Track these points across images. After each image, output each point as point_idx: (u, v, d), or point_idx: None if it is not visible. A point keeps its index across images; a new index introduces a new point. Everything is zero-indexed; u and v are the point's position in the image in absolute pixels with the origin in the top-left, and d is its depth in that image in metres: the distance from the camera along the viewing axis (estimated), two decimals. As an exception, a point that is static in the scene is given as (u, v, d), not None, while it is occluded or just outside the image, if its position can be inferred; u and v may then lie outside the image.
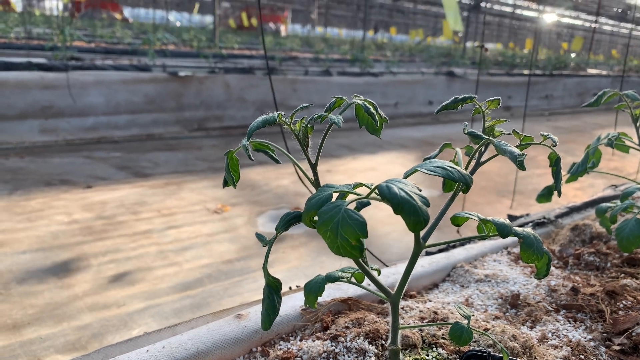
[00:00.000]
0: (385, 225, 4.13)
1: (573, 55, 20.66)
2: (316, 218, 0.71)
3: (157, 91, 7.64)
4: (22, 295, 2.87)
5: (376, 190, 0.70)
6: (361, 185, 0.81)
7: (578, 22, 34.50)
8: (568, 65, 17.34)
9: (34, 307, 2.77)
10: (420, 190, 0.68)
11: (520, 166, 0.78)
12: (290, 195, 4.90)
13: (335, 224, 0.66)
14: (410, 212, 0.64)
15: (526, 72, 14.56)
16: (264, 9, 31.48)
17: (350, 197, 0.79)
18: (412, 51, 19.94)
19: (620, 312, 1.29)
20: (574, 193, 5.36)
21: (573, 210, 2.15)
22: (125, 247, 3.58)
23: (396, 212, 0.64)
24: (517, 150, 0.79)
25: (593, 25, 29.59)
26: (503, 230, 0.86)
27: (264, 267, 0.79)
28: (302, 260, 3.53)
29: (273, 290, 0.80)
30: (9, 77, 6.50)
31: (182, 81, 7.85)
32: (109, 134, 7.09)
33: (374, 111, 0.90)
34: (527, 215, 2.12)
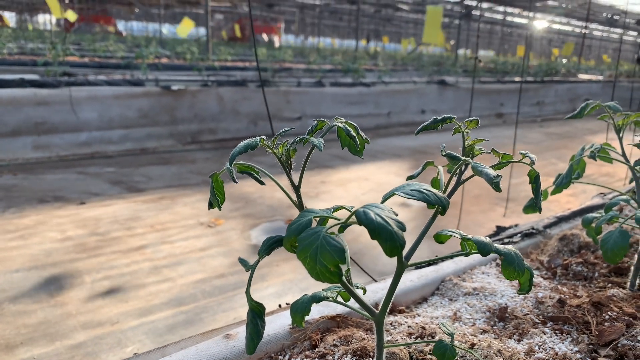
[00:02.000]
0: (379, 236, 4.14)
1: (565, 61, 20.84)
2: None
3: (151, 105, 7.66)
4: (15, 315, 2.86)
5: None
6: (341, 208, 0.82)
7: (569, 28, 34.85)
8: (559, 71, 17.48)
9: (27, 326, 2.76)
10: (396, 215, 0.69)
11: (496, 188, 0.79)
12: (284, 208, 4.91)
13: (314, 250, 0.67)
14: (387, 237, 0.65)
15: (518, 79, 14.66)
16: (256, 20, 31.61)
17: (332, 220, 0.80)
18: (404, 60, 20.07)
19: (606, 324, 1.30)
20: (566, 199, 5.40)
21: (561, 220, 2.17)
22: (119, 263, 3.57)
23: (373, 237, 0.66)
24: (492, 172, 0.81)
25: (583, 31, 29.90)
26: (483, 249, 0.87)
27: (247, 292, 0.80)
28: (297, 273, 3.53)
29: (256, 314, 0.81)
30: (2, 94, 6.50)
31: (175, 95, 7.87)
32: (103, 149, 7.09)
33: (354, 134, 0.92)
34: (516, 225, 2.14)
